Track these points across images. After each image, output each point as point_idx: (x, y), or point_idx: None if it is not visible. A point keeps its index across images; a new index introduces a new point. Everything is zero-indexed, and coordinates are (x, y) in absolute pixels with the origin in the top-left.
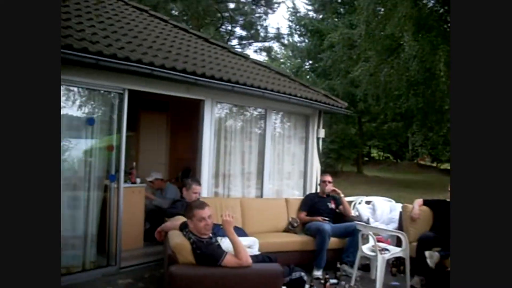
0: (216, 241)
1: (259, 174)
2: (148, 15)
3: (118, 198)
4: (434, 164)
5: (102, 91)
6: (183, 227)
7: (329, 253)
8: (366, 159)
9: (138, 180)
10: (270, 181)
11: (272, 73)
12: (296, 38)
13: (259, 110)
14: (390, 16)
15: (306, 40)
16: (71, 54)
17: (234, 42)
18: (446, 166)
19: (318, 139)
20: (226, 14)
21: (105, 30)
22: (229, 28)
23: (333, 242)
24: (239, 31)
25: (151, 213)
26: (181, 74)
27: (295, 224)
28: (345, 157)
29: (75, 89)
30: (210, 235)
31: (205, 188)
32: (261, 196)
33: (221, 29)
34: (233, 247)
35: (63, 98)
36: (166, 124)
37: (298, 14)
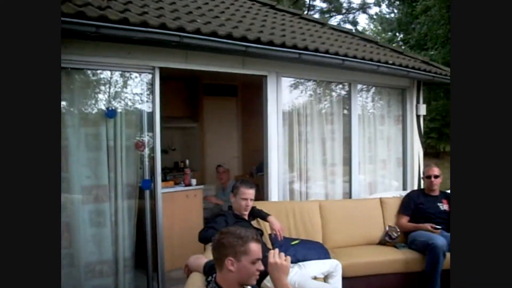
0: None
1: (345, 165)
2: None
3: (155, 208)
4: None
5: (125, 72)
6: (208, 270)
7: (444, 275)
8: None
9: (194, 181)
10: (361, 173)
11: (355, 39)
12: (384, 8)
13: (341, 84)
14: None
15: (395, 10)
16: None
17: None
18: None
19: (418, 117)
20: None
21: None
22: (307, 0)
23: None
24: (319, 3)
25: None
26: (226, 40)
27: (395, 235)
28: (448, 136)
29: (88, 72)
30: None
31: (274, 188)
32: (350, 192)
33: (298, 3)
34: None
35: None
36: (236, 111)
37: None
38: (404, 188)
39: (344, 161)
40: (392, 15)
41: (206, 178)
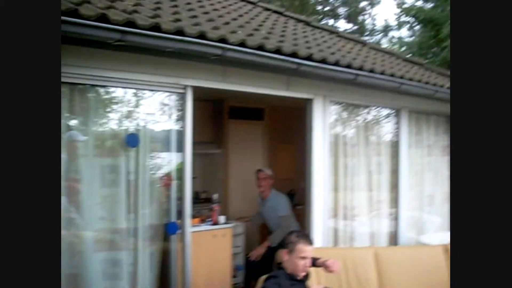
0: None
1: (392, 202)
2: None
3: (183, 254)
4: None
5: (151, 91)
6: None
7: None
8: None
9: (222, 218)
10: (408, 211)
11: (399, 60)
12: (405, 32)
13: (386, 111)
14: None
15: (416, 34)
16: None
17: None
18: None
19: None
20: (327, 8)
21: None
22: (331, 22)
23: None
24: (342, 25)
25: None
26: (276, 55)
27: None
28: None
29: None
30: None
31: (318, 229)
32: (396, 232)
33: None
34: None
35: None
36: (262, 136)
37: (404, 5)
38: None
39: (391, 197)
40: (412, 38)
41: (229, 210)
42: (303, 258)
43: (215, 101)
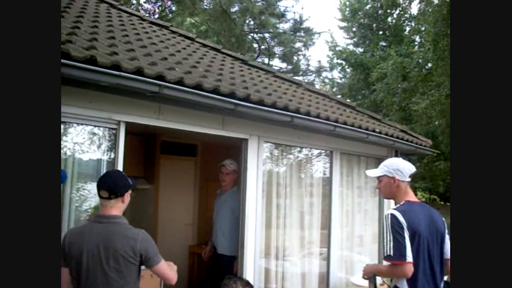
0: None
1: (322, 243)
2: (170, 32)
3: None
4: None
5: (83, 125)
6: None
7: None
8: None
9: None
10: (338, 251)
11: (333, 102)
12: (336, 73)
13: (319, 152)
14: None
15: (347, 76)
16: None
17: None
18: None
19: None
20: (263, 47)
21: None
22: (266, 60)
23: None
24: (277, 63)
25: None
26: (213, 95)
27: None
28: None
29: None
30: None
31: (250, 270)
32: (328, 273)
33: (257, 61)
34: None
35: None
36: (194, 172)
37: (337, 48)
38: None
39: (321, 238)
40: (343, 79)
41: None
42: None
43: (147, 135)
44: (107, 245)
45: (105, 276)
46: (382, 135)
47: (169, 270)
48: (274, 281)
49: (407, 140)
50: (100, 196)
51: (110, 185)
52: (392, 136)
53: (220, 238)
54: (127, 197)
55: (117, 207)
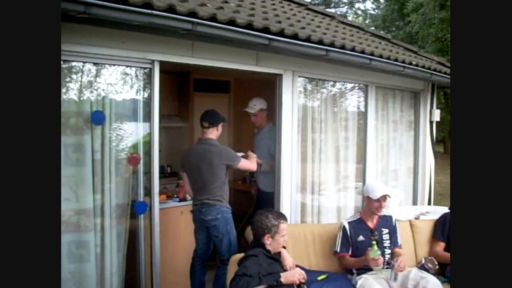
0: None
1: (358, 177)
2: None
3: (151, 232)
4: None
5: (118, 65)
6: None
7: None
8: None
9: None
10: None
11: (367, 35)
12: (369, 4)
13: (353, 86)
14: None
15: (380, 7)
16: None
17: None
18: None
19: (431, 123)
20: None
21: None
22: None
23: None
24: None
25: None
26: (246, 30)
27: (431, 267)
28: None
29: (71, 64)
30: None
31: (286, 205)
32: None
33: None
34: None
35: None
36: (228, 109)
37: None
38: (415, 202)
39: (357, 170)
40: (377, 11)
41: None
42: (284, 235)
43: (180, 73)
44: (205, 157)
45: (206, 175)
46: (419, 68)
47: (248, 163)
48: (310, 215)
49: (445, 73)
50: (202, 126)
51: (209, 118)
52: (429, 68)
53: (260, 175)
54: (220, 127)
55: (213, 133)
